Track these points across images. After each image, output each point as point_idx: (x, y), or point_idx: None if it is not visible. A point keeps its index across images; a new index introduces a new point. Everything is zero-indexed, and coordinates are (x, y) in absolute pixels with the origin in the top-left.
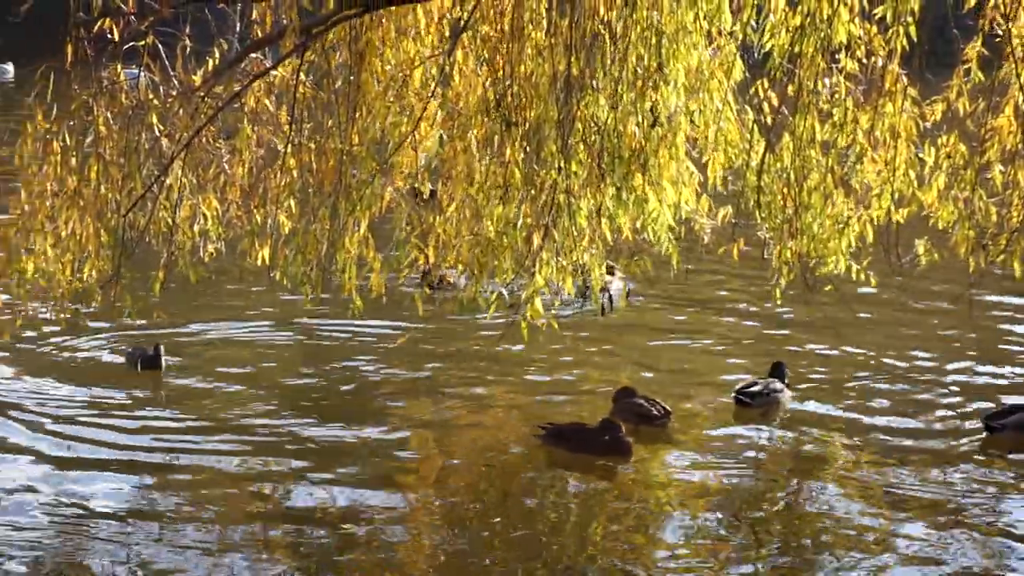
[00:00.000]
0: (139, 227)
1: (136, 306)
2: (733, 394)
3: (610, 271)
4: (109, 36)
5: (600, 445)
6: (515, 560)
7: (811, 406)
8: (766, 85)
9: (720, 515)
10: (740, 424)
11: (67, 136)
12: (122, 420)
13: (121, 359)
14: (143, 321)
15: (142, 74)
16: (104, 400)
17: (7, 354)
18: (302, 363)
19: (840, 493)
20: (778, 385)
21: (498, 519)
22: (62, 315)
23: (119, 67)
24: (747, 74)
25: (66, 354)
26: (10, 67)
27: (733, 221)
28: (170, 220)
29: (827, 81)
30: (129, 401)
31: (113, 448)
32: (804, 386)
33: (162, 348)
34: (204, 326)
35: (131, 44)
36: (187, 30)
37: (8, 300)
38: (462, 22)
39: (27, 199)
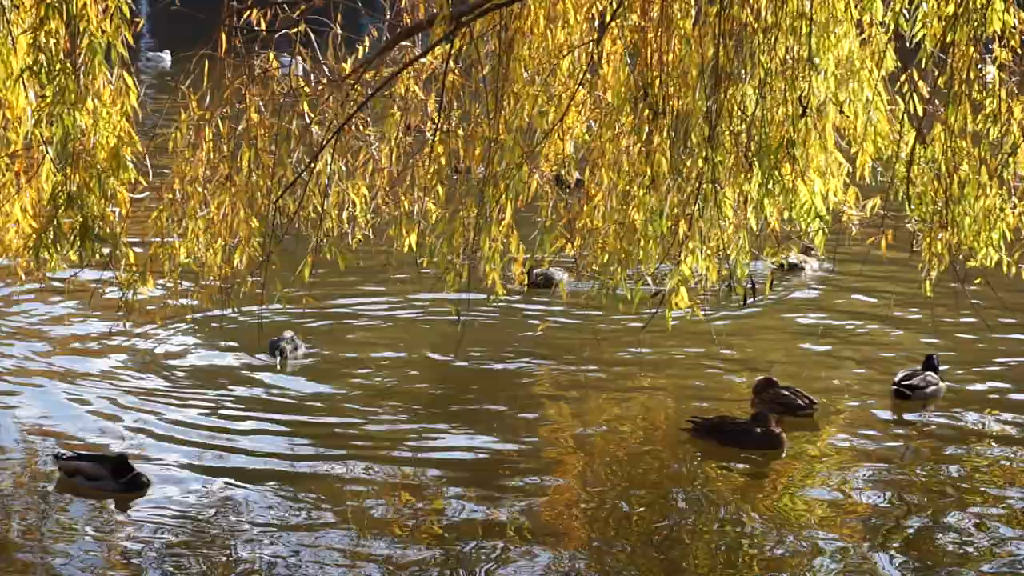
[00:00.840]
0: (289, 213)
1: (284, 292)
2: (893, 386)
3: (806, 251)
4: (258, 27)
5: (753, 438)
6: (662, 552)
7: (966, 398)
8: (917, 75)
9: (878, 509)
10: (895, 416)
11: (219, 123)
12: (263, 413)
13: (261, 348)
14: (290, 307)
15: (294, 62)
16: (246, 389)
17: (156, 337)
18: (444, 351)
19: (1003, 484)
20: (934, 377)
21: (643, 509)
22: (212, 300)
23: (271, 55)
24: (898, 64)
25: (212, 340)
26: (167, 55)
27: (882, 212)
28: (319, 206)
29: (982, 70)
30: (263, 392)
31: (252, 437)
32: (957, 377)
33: (292, 337)
34: (349, 312)
35: (283, 32)
36: (338, 18)
37: (160, 284)
38: (610, 11)
39: (180, 185)
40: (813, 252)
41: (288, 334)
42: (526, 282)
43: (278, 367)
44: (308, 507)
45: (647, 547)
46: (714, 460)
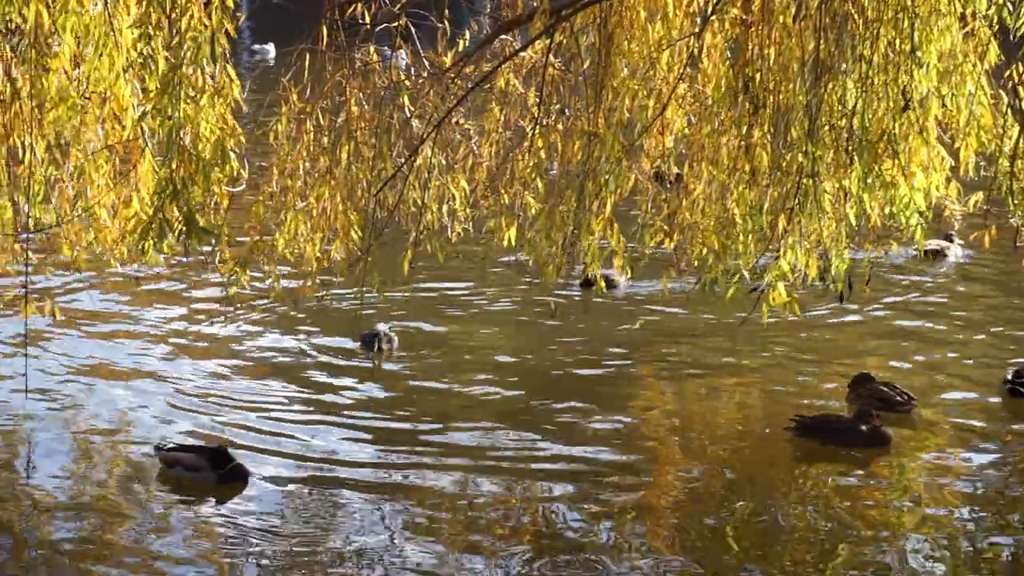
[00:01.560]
0: (388, 206)
1: (383, 284)
2: (1007, 384)
3: (948, 238)
4: (360, 20)
5: (858, 436)
6: (767, 555)
7: None
8: (1021, 69)
9: (986, 509)
10: (1004, 413)
11: (320, 116)
12: (358, 407)
13: (357, 342)
14: (390, 299)
15: (395, 56)
16: (341, 382)
17: (254, 329)
18: (542, 344)
19: None
20: None
21: (746, 511)
22: (310, 291)
23: (372, 49)
24: (1001, 57)
25: (308, 333)
26: (271, 48)
27: (985, 208)
28: (419, 200)
29: None
30: (358, 386)
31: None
32: None
33: (387, 331)
34: (447, 306)
35: (384, 26)
36: (439, 12)
37: (259, 275)
38: (711, 5)
39: (279, 177)
40: (954, 238)
41: (383, 328)
42: (630, 274)
43: (373, 362)
44: (404, 503)
45: (752, 548)
46: (816, 459)
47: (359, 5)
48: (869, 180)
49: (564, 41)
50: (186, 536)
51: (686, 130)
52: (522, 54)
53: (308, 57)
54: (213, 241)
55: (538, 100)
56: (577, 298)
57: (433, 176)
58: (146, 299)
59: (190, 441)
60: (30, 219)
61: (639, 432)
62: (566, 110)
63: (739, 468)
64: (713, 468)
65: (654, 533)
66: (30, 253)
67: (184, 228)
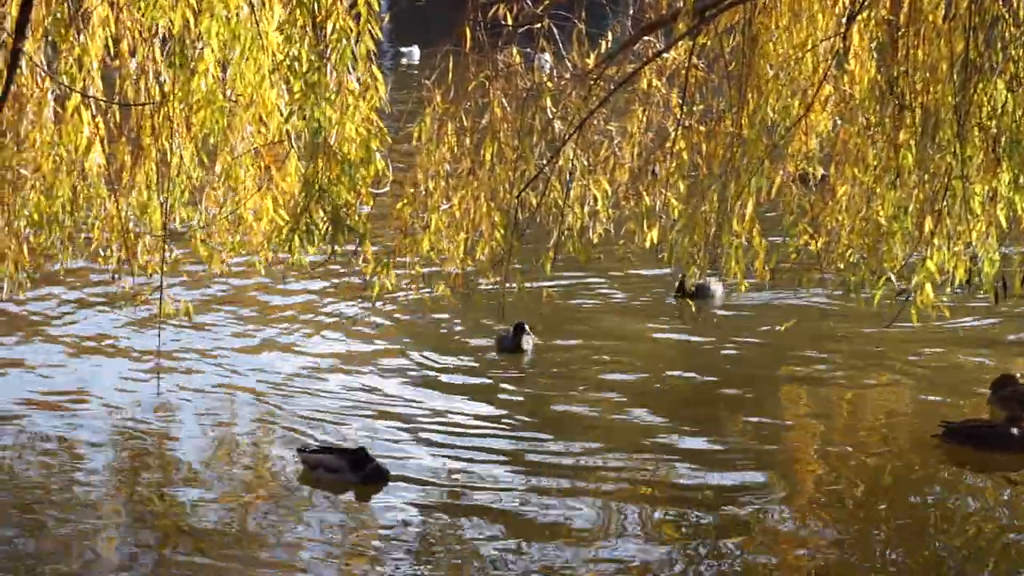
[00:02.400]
0: (530, 207)
1: (524, 285)
2: None
3: None
4: (503, 22)
5: (1012, 441)
6: (916, 561)
7: None
8: None
9: None
10: None
11: (463, 117)
12: (497, 408)
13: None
14: (526, 301)
15: (538, 58)
16: (481, 381)
17: (394, 329)
18: (682, 344)
19: None
20: None
21: (894, 518)
22: (453, 293)
23: (515, 50)
24: None
25: (449, 332)
26: (416, 50)
27: None
28: (561, 201)
29: None
30: (498, 386)
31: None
32: None
33: (527, 333)
34: (583, 307)
35: (526, 28)
36: (581, 13)
37: (403, 274)
38: (858, 5)
39: (423, 178)
40: None
41: (522, 331)
42: (769, 277)
43: (510, 364)
44: (541, 507)
45: (904, 557)
46: (965, 464)
47: (501, 6)
48: (1020, 181)
49: (708, 42)
50: (325, 538)
51: (831, 131)
52: (665, 55)
53: (451, 59)
54: (357, 241)
55: (681, 101)
56: (672, 305)
57: (575, 177)
58: (290, 301)
59: (332, 443)
60: (177, 220)
61: (781, 440)
62: (709, 111)
63: (883, 473)
64: (858, 476)
65: (793, 536)
66: (175, 252)
67: (330, 228)
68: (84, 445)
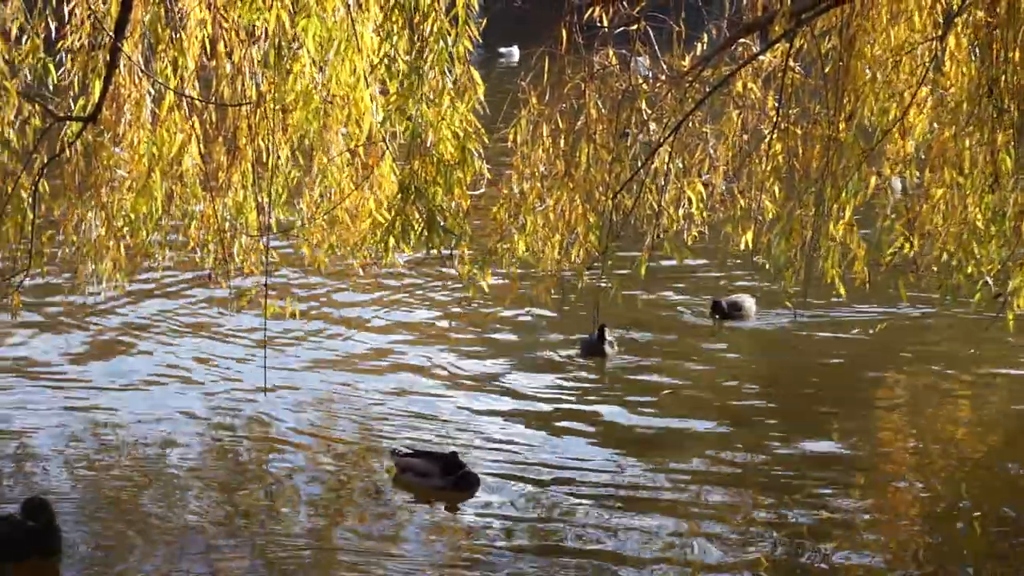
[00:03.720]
0: (625, 209)
1: (619, 287)
2: None
3: None
4: (599, 23)
5: None
6: (1001, 565)
7: None
8: None
9: None
10: None
11: (558, 119)
12: (586, 413)
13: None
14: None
15: (634, 59)
16: (572, 384)
17: (486, 331)
18: (775, 350)
19: None
20: None
21: (992, 526)
22: (549, 294)
23: (611, 52)
24: None
25: (540, 333)
26: (515, 50)
27: None
28: (656, 203)
29: None
30: (587, 391)
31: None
32: None
33: (610, 336)
34: (674, 310)
35: (622, 28)
36: (677, 15)
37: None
38: (956, 7)
39: (518, 180)
40: None
41: (607, 332)
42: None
43: (596, 366)
44: (634, 511)
45: (1002, 568)
46: None
47: (598, 8)
48: None
49: (804, 45)
50: (411, 540)
51: (927, 134)
52: (761, 57)
53: (547, 60)
54: (453, 243)
55: (777, 104)
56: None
57: (670, 180)
58: (385, 301)
59: (424, 447)
60: (273, 220)
61: (873, 442)
62: (806, 114)
63: (977, 481)
64: (952, 482)
65: (888, 548)
66: (273, 253)
67: (425, 229)
68: (181, 440)
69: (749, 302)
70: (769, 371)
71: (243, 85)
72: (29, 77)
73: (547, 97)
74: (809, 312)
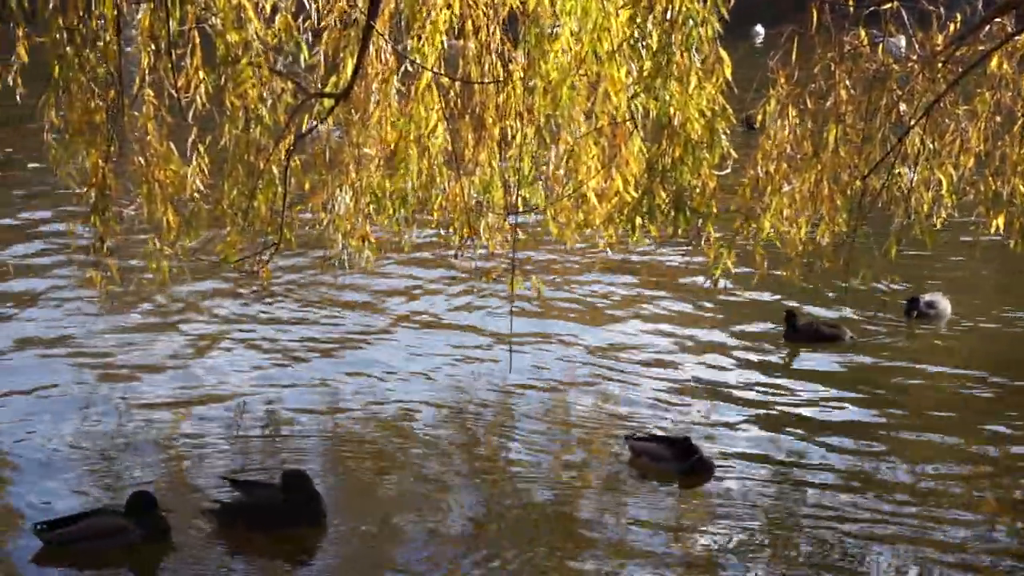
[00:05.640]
0: (873, 191)
1: (870, 270)
2: None
3: None
4: (848, 3)
5: None
6: None
7: None
8: None
9: None
10: None
11: (807, 99)
12: (842, 397)
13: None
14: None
15: (886, 40)
16: (812, 367)
17: (724, 308)
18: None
19: None
20: None
21: None
22: (795, 275)
23: (862, 31)
24: None
25: (774, 315)
26: (760, 28)
27: None
28: (905, 185)
29: None
30: (826, 374)
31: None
32: None
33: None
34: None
35: (872, 8)
36: None
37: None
38: None
39: (763, 161)
40: None
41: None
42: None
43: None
44: (872, 495)
45: None
46: None
47: None
48: None
49: None
50: (646, 525)
51: None
52: (1016, 38)
53: (796, 40)
54: (699, 223)
55: None
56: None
57: (920, 161)
58: (628, 281)
59: (660, 431)
60: (519, 199)
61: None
62: None
63: None
64: None
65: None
66: (519, 233)
67: (672, 209)
68: (426, 416)
69: (944, 302)
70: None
71: (491, 63)
72: (281, 56)
73: (795, 77)
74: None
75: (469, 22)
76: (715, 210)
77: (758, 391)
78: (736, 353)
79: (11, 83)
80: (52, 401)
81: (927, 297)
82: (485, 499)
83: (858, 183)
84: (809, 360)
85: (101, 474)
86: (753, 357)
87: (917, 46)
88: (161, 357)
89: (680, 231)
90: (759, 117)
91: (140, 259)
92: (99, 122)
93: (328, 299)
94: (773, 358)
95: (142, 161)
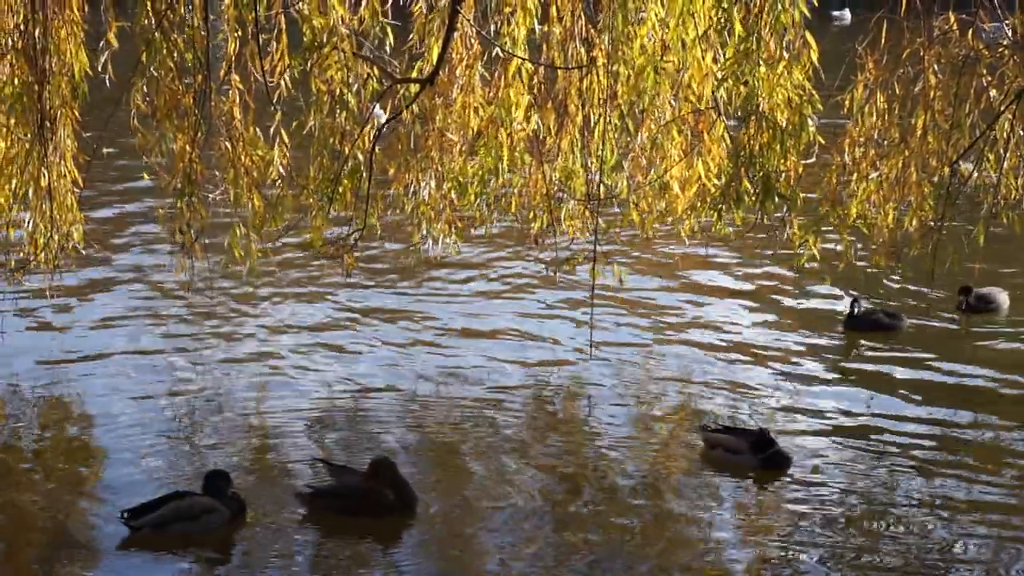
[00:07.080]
0: (962, 177)
1: (954, 256)
2: None
3: None
4: None
5: None
6: None
7: None
8: None
9: None
10: None
11: (895, 85)
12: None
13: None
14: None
15: (977, 23)
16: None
17: (806, 296)
18: None
19: None
20: None
21: None
22: (882, 261)
23: (951, 16)
24: None
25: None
26: (847, 12)
27: None
28: (994, 171)
29: None
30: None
31: None
32: None
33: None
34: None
35: None
36: None
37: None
38: None
39: (849, 148)
40: None
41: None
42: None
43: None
44: (955, 486)
45: None
46: None
47: None
48: None
49: None
50: (723, 517)
51: None
52: None
53: (884, 24)
54: (785, 209)
55: None
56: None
57: (1010, 148)
58: (706, 269)
59: (736, 424)
60: (601, 187)
61: None
62: None
63: None
64: None
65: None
66: (600, 220)
67: (760, 194)
68: (508, 405)
69: (1001, 295)
70: None
71: (575, 49)
72: (367, 41)
73: (883, 62)
74: None
75: (553, 7)
76: (801, 195)
77: (822, 382)
78: (808, 341)
79: (100, 69)
80: (135, 382)
81: (982, 291)
82: (566, 488)
83: (946, 170)
84: (870, 350)
85: (187, 460)
86: (821, 342)
87: (1009, 32)
88: (245, 342)
89: (764, 219)
90: (846, 102)
91: (227, 244)
92: (186, 107)
93: (409, 284)
94: (837, 346)
95: (228, 146)
